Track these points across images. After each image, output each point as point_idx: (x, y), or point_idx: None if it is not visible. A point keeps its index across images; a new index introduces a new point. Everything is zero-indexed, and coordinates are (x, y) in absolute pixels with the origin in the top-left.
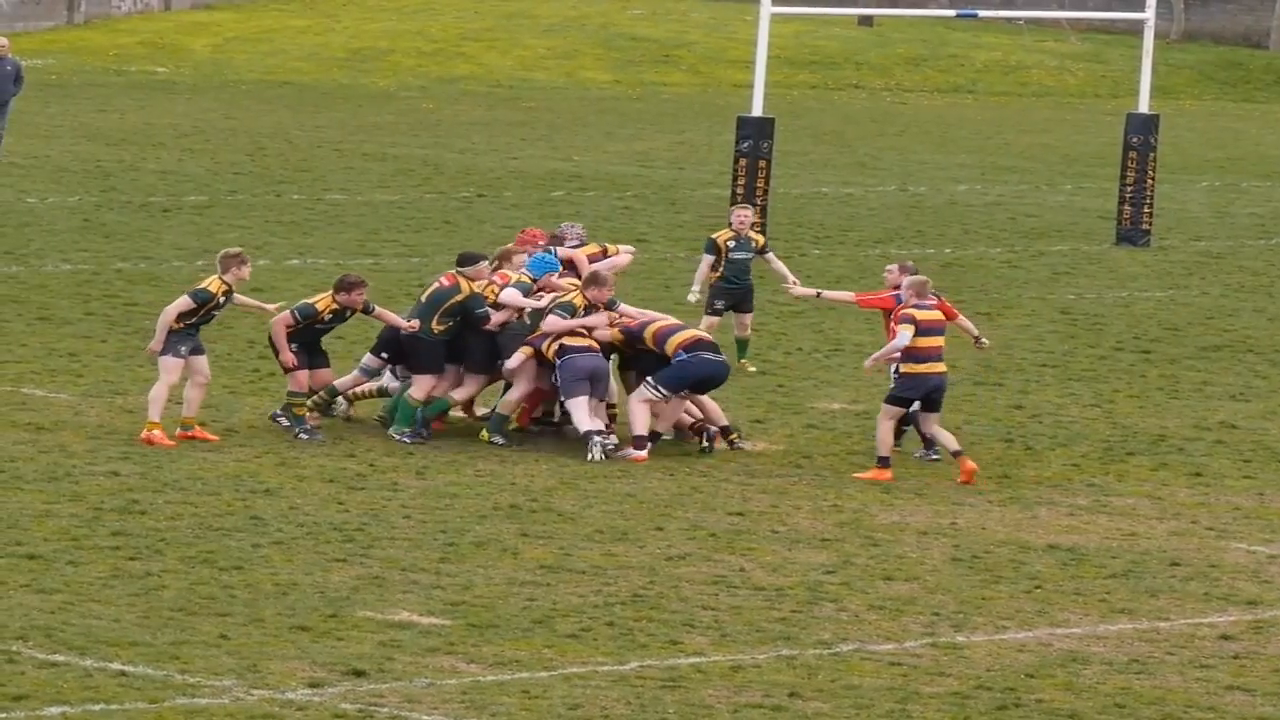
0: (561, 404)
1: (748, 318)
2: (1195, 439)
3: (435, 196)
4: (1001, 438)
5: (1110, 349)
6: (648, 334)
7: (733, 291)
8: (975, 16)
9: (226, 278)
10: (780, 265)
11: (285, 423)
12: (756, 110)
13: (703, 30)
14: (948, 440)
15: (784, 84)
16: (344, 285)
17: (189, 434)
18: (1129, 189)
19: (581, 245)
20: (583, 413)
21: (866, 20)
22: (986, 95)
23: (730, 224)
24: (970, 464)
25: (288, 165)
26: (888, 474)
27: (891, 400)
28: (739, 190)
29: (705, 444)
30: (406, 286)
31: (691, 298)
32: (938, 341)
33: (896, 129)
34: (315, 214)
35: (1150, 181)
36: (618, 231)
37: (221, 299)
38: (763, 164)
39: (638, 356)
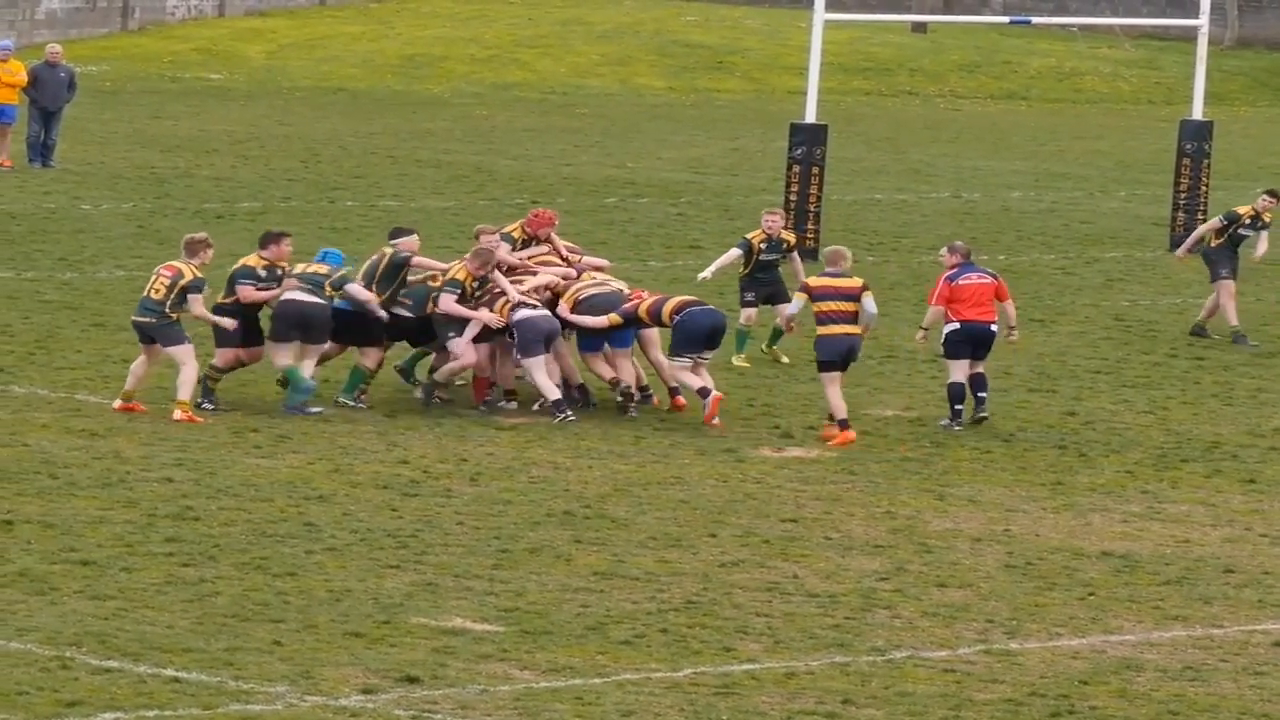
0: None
1: (785, 307)
2: (1249, 445)
3: (488, 203)
4: (1055, 444)
5: (1164, 355)
6: (642, 311)
7: (761, 285)
8: (1029, 23)
9: (265, 254)
10: (799, 266)
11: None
12: (810, 117)
13: (757, 37)
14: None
15: (838, 90)
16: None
17: (129, 406)
18: (1182, 195)
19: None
20: (543, 375)
21: (920, 27)
22: (1040, 102)
23: (762, 226)
24: (850, 435)
25: (341, 172)
26: (851, 435)
27: (821, 366)
28: (792, 197)
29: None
30: None
31: (700, 276)
32: (848, 306)
33: (950, 135)
34: (369, 221)
35: (1204, 188)
36: (672, 238)
37: (263, 272)
38: (816, 171)
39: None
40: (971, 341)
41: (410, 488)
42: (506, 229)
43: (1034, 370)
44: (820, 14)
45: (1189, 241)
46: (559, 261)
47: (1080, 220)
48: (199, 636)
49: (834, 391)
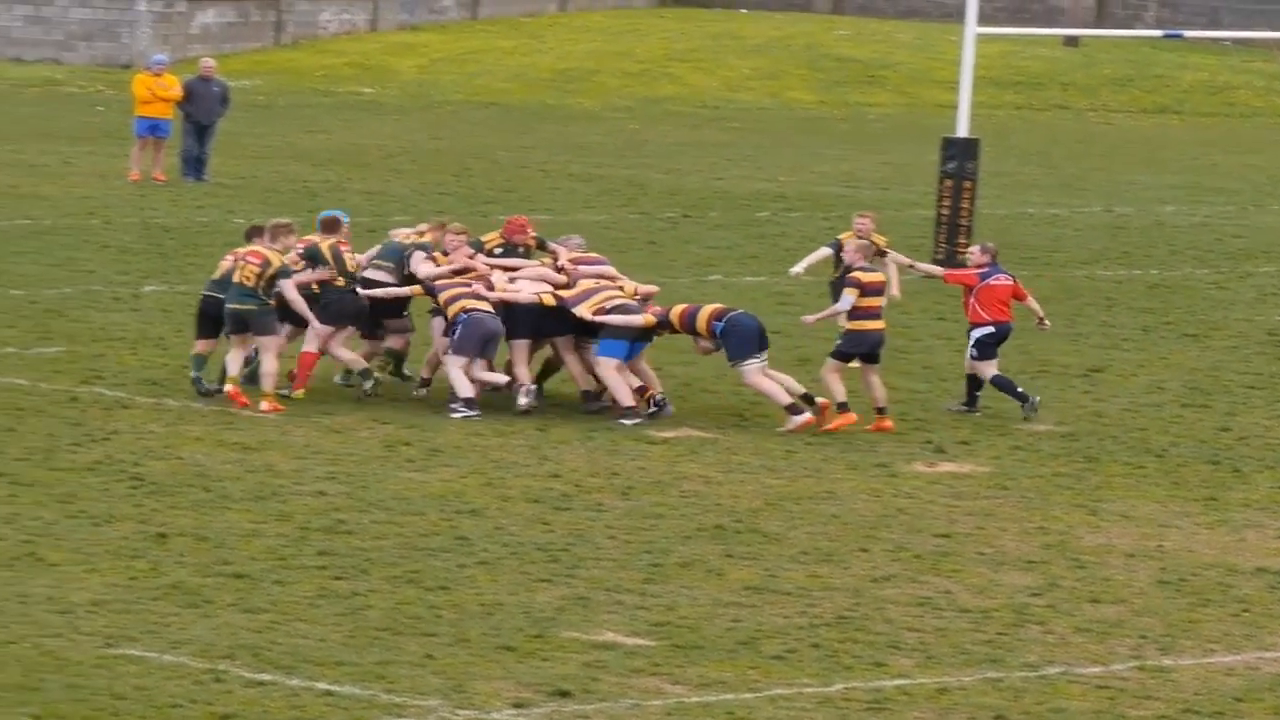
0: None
1: (839, 305)
2: None
3: (640, 217)
4: (1208, 460)
5: None
6: (673, 316)
7: (840, 290)
8: (1181, 37)
9: (276, 246)
10: (893, 270)
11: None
12: (962, 131)
13: (908, 51)
14: (878, 393)
15: (989, 105)
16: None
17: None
18: None
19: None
20: (459, 371)
21: (1072, 41)
22: (1193, 116)
23: (853, 227)
24: (850, 417)
25: (493, 186)
26: (852, 417)
27: (836, 354)
28: (944, 211)
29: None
30: None
31: (792, 271)
32: (878, 301)
33: (1102, 150)
34: None
35: None
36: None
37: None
38: (968, 185)
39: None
40: (999, 340)
41: (562, 501)
42: (483, 237)
43: (1187, 385)
44: (972, 27)
45: None
46: (552, 269)
47: (1233, 235)
48: (351, 650)
49: (837, 378)
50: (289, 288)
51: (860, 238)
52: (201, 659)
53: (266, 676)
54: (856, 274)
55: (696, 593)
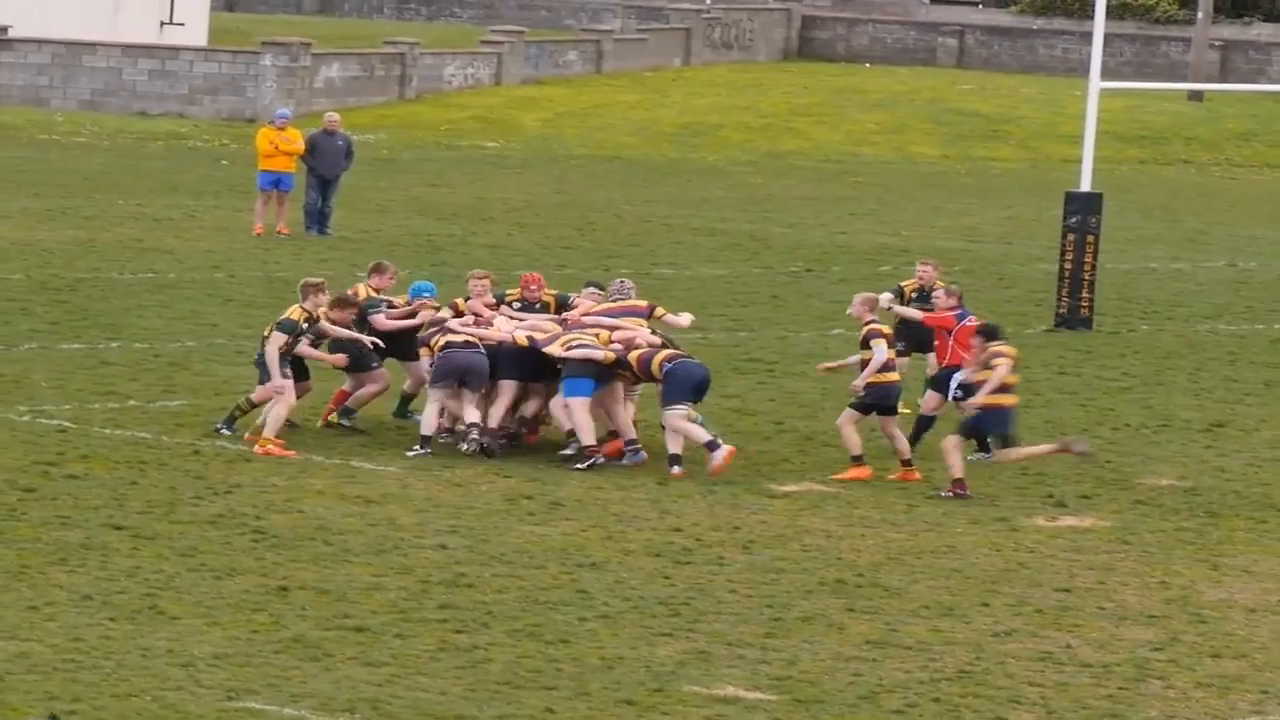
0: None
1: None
2: None
3: (763, 271)
4: None
5: None
6: (632, 358)
7: (912, 333)
8: None
9: (306, 305)
10: None
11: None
12: (1085, 185)
13: (1032, 105)
14: (903, 445)
15: (1113, 159)
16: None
17: (267, 449)
18: None
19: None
20: (434, 409)
21: (1196, 95)
22: None
23: (916, 275)
24: (865, 470)
25: (617, 240)
26: (866, 470)
27: (856, 406)
28: (1067, 265)
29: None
30: (733, 360)
31: (849, 312)
32: (894, 354)
33: (1226, 204)
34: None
35: None
36: None
37: (304, 325)
38: (1091, 239)
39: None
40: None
41: (683, 555)
42: (507, 291)
43: None
44: (1096, 82)
45: None
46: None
47: None
48: (472, 704)
49: (853, 430)
50: (274, 342)
51: (923, 285)
52: (322, 712)
53: None
54: (878, 326)
55: (818, 647)
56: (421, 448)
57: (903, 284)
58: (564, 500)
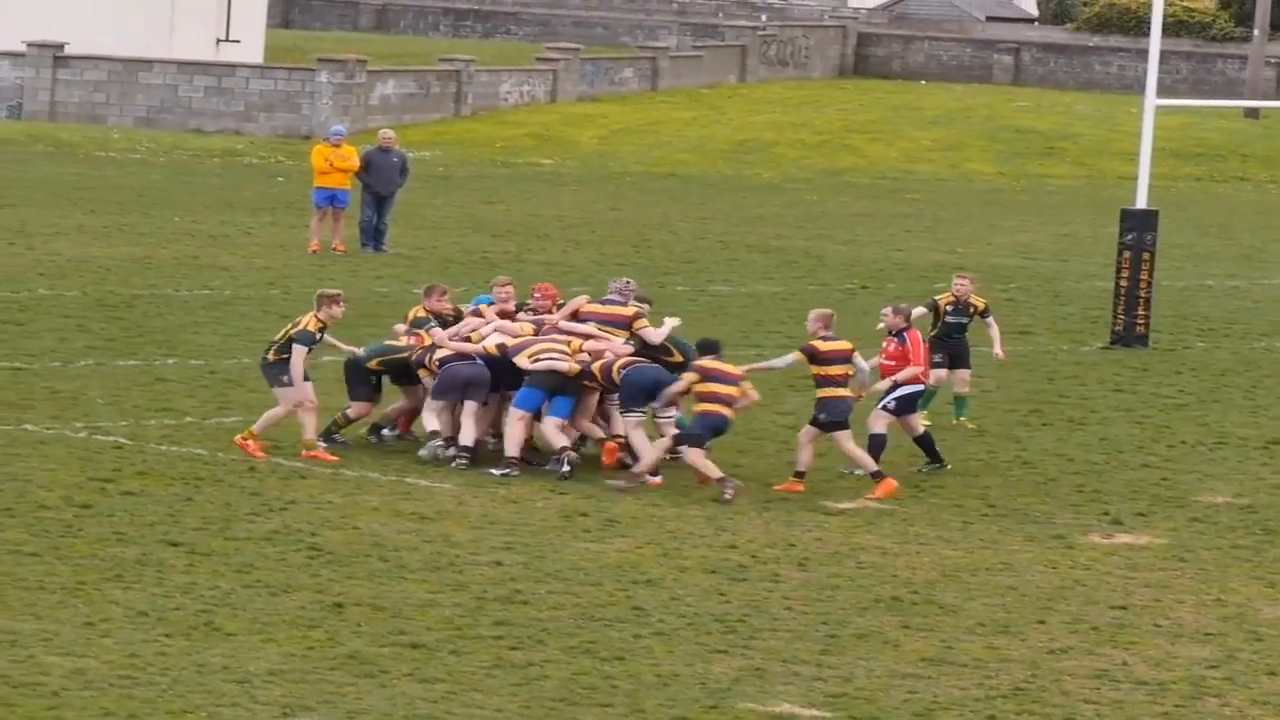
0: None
1: (965, 373)
2: None
3: (818, 288)
4: None
5: None
6: (595, 369)
7: (948, 347)
8: None
9: (321, 315)
10: (995, 331)
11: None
12: (1141, 202)
13: (1087, 123)
14: (864, 460)
15: (1169, 176)
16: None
17: (313, 454)
18: None
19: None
20: (433, 415)
21: (1253, 112)
22: None
23: (952, 288)
24: (892, 484)
25: (672, 257)
26: (800, 486)
27: (814, 423)
28: (1123, 282)
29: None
30: (788, 377)
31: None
32: (839, 370)
33: None
34: (699, 305)
35: None
36: (1001, 324)
37: (318, 335)
38: (1147, 256)
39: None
40: (924, 398)
41: (738, 572)
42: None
43: None
44: (1152, 99)
45: None
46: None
47: None
48: None
49: (810, 449)
50: (299, 354)
51: (959, 298)
52: None
53: None
54: (813, 342)
55: (873, 664)
56: (442, 450)
57: (937, 297)
58: (619, 517)
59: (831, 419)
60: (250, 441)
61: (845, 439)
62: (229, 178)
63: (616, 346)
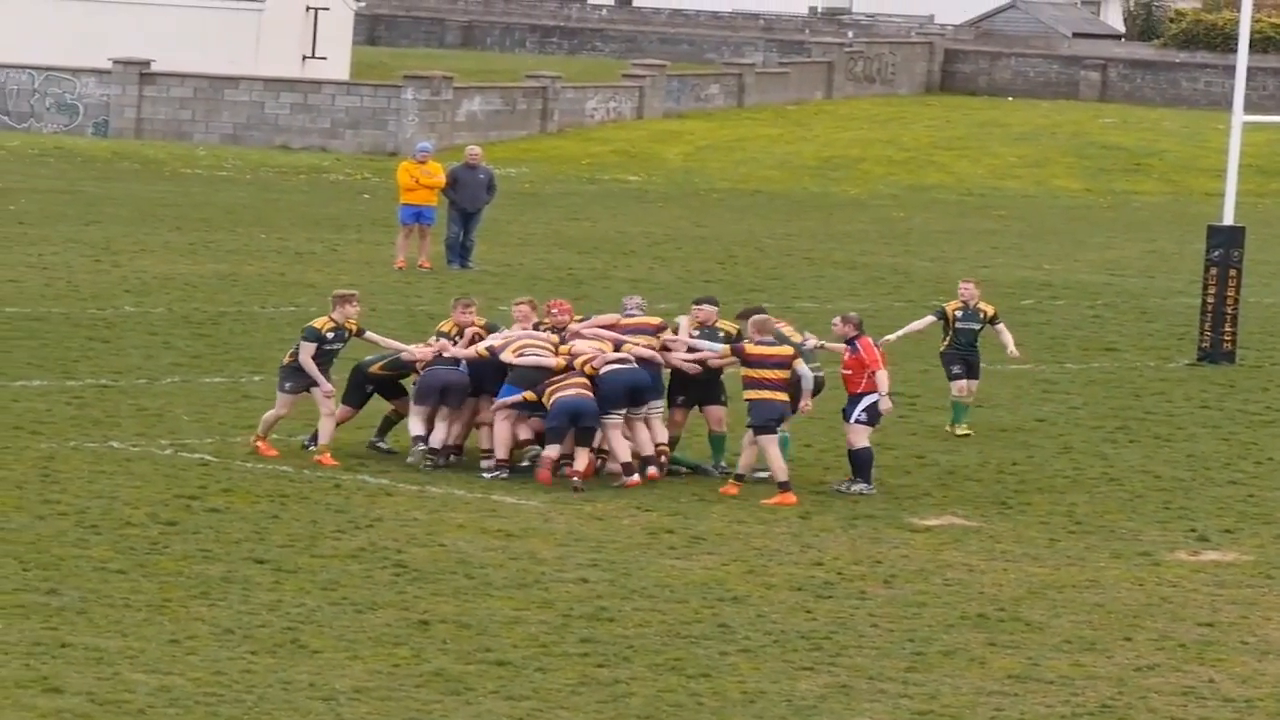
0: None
1: (974, 384)
2: None
3: (905, 305)
4: None
5: None
6: (584, 368)
7: (962, 354)
8: None
9: (335, 315)
10: (1007, 336)
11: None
12: (1228, 219)
13: (1174, 139)
14: (777, 468)
15: (1256, 192)
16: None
17: (321, 459)
18: None
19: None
20: (419, 419)
21: None
22: None
23: (959, 294)
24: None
25: (758, 273)
26: (792, 498)
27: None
28: (1209, 299)
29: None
30: None
31: (884, 339)
32: (771, 374)
33: None
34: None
35: None
36: (1088, 340)
37: (329, 335)
38: (1234, 273)
39: (685, 385)
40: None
41: (824, 589)
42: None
43: None
44: (1239, 116)
45: None
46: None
47: None
48: None
49: (776, 453)
50: (305, 350)
51: (966, 303)
52: None
53: None
54: (743, 344)
55: (959, 681)
56: (497, 469)
57: (945, 304)
58: (705, 534)
59: (755, 422)
60: (260, 443)
61: (770, 443)
62: (315, 194)
63: (608, 352)
